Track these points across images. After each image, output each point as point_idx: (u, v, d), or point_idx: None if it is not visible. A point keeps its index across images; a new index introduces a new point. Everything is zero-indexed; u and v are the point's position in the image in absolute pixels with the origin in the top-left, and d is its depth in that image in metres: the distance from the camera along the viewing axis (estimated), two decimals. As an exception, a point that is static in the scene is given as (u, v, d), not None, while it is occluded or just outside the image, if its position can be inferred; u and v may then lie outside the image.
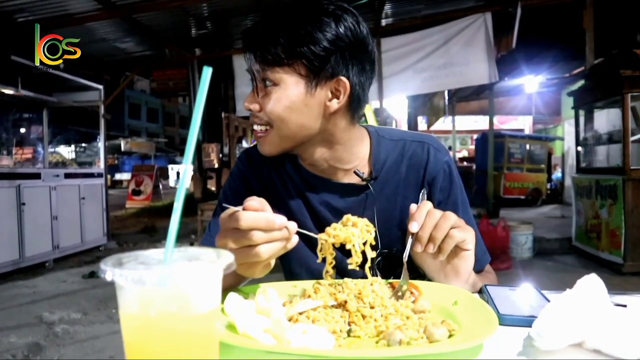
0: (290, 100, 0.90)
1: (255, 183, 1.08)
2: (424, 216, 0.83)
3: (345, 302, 0.70)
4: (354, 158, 1.01)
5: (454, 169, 1.05)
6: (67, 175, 6.06)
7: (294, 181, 1.05)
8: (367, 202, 1.01)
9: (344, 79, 0.91)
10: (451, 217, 0.82)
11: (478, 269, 1.01)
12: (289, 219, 1.01)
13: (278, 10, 0.92)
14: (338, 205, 1.01)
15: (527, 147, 12.14)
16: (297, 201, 1.05)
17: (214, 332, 0.43)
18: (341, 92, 0.92)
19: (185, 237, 6.93)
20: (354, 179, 1.01)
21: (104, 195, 6.83)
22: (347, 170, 1.01)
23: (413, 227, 0.82)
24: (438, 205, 1.01)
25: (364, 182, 1.00)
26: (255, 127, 0.95)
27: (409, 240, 0.84)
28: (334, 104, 0.92)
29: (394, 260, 0.97)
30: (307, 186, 1.04)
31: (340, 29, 0.88)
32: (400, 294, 0.77)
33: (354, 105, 0.95)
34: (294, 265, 1.07)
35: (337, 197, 1.02)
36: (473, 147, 15.23)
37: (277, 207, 1.04)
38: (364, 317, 0.67)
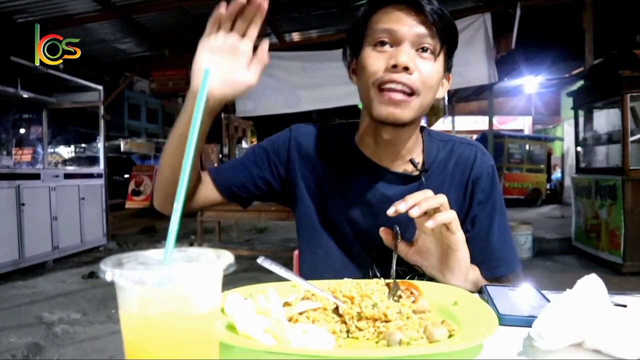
0: (440, 74, 0.94)
1: (294, 160, 1.08)
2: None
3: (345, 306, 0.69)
4: (413, 148, 1.03)
5: (496, 174, 1.07)
6: (67, 176, 6.05)
7: (339, 164, 1.05)
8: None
9: (449, 73, 1.00)
10: (442, 195, 0.82)
11: (504, 274, 1.01)
12: (326, 201, 1.06)
13: None
14: (387, 192, 1.01)
15: (527, 147, 12.16)
16: (340, 185, 1.05)
17: (213, 332, 0.43)
18: (446, 84, 1.00)
19: (185, 237, 6.92)
20: (407, 169, 1.02)
21: (104, 196, 6.83)
22: (403, 160, 1.02)
23: (390, 210, 0.81)
24: (478, 204, 1.02)
25: (417, 173, 1.01)
26: (394, 85, 0.89)
27: (394, 257, 0.85)
28: (441, 92, 0.98)
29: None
30: (357, 170, 1.04)
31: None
32: (395, 298, 0.76)
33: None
34: (316, 267, 1.07)
35: (388, 185, 1.02)
36: (473, 147, 15.22)
37: (317, 188, 1.06)
38: (360, 329, 0.66)
